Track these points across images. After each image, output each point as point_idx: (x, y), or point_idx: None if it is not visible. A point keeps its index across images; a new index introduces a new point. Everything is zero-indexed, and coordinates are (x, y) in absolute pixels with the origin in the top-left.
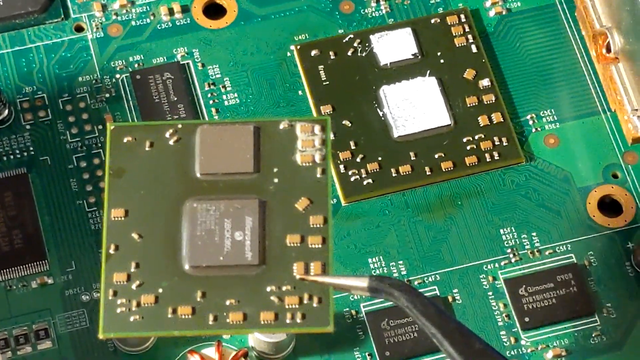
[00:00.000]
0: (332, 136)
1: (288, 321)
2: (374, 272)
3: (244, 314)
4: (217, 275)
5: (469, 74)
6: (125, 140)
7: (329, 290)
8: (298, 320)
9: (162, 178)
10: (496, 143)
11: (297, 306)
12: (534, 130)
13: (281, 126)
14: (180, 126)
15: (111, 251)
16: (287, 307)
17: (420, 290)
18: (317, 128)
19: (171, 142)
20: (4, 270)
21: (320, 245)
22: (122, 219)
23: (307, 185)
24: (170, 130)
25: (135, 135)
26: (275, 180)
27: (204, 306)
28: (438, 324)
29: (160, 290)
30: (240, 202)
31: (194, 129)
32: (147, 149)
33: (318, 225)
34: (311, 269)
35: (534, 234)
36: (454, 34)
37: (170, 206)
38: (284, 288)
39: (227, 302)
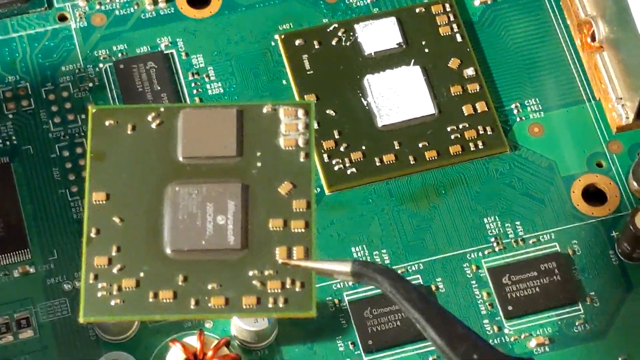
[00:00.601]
0: (316, 125)
1: (270, 306)
2: None
3: (225, 299)
4: (199, 259)
5: (454, 63)
6: (107, 123)
7: (311, 275)
8: (280, 305)
9: (144, 161)
10: (480, 132)
11: (279, 291)
12: (518, 119)
13: (264, 110)
14: (162, 109)
15: (92, 235)
16: (269, 291)
17: None
18: (300, 112)
19: (153, 126)
20: None
21: (303, 230)
22: (104, 202)
23: (290, 169)
24: (153, 114)
25: (117, 119)
26: (258, 164)
27: (185, 290)
28: (421, 309)
29: (142, 274)
30: (223, 186)
31: (177, 113)
32: (129, 132)
33: (301, 210)
34: (294, 253)
35: (518, 222)
36: (439, 23)
37: (152, 190)
38: (266, 272)
39: (209, 287)
